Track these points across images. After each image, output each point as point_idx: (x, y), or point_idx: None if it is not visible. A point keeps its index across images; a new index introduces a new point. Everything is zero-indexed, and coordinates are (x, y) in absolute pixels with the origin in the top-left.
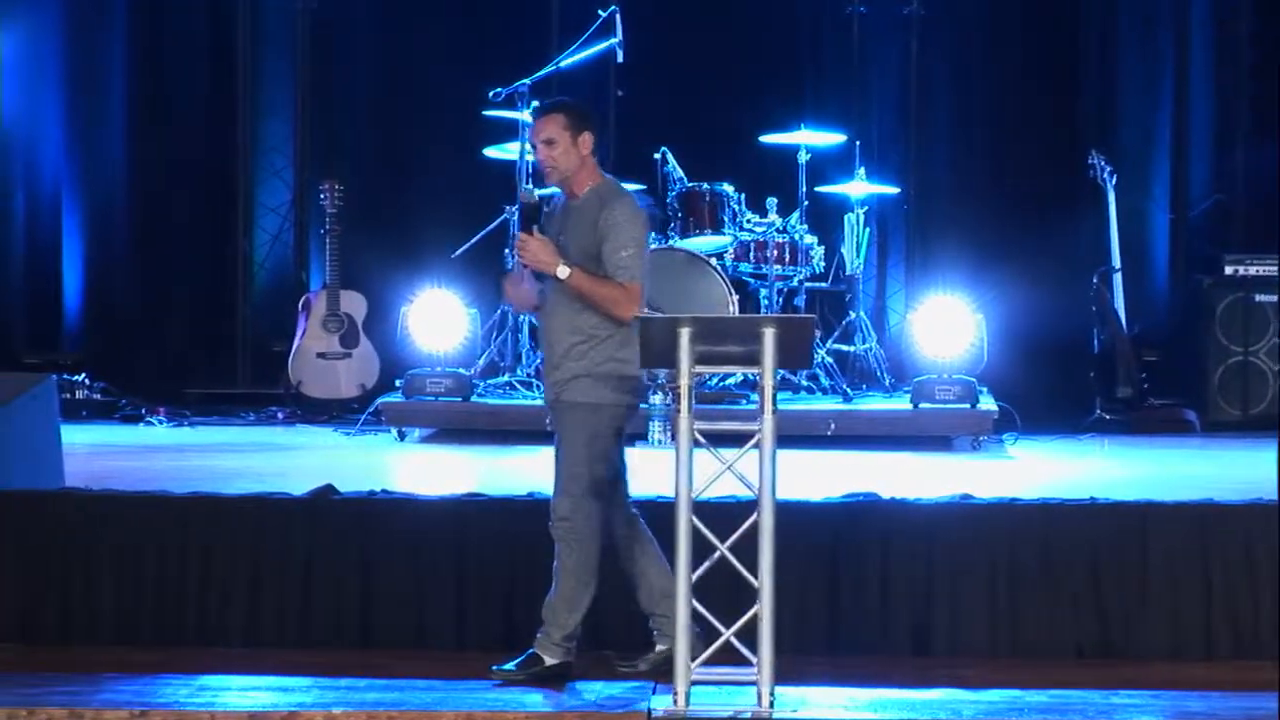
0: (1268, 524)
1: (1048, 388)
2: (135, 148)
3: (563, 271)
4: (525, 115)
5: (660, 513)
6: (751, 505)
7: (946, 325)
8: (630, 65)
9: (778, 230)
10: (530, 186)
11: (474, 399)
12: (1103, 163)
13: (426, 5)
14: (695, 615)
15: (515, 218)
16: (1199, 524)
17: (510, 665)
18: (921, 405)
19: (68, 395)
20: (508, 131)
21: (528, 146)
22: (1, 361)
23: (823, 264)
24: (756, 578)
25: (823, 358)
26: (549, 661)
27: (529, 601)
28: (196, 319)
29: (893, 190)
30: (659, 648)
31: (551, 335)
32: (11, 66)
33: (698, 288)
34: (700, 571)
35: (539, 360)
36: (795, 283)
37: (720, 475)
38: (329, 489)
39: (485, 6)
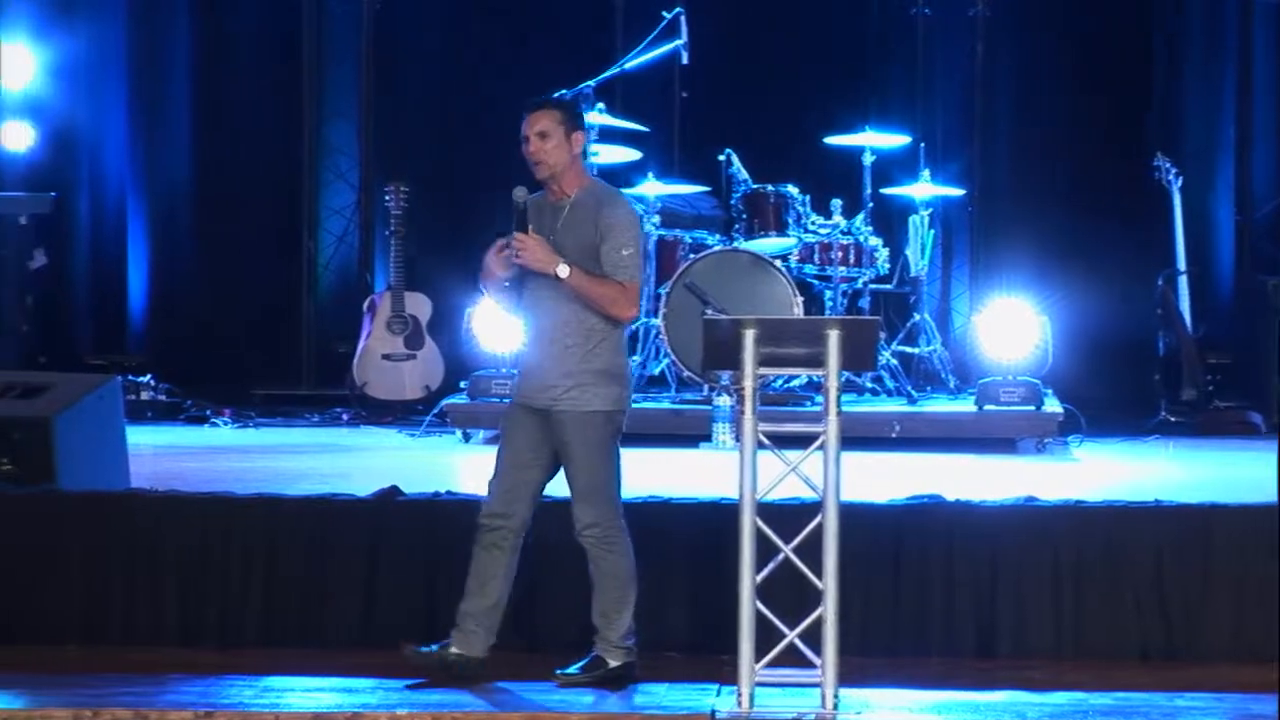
0: None
1: (1112, 390)
2: (199, 150)
3: (563, 270)
4: (591, 117)
5: (724, 514)
6: (816, 507)
7: (1011, 327)
8: (695, 67)
9: (842, 232)
10: (523, 188)
11: None
12: (1168, 165)
13: (491, 6)
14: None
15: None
16: (1264, 526)
17: (574, 668)
18: (986, 407)
19: (133, 396)
20: None
21: (529, 138)
22: (67, 363)
23: (887, 266)
24: (820, 579)
25: (887, 359)
26: (612, 664)
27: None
28: (261, 320)
29: (957, 192)
30: (453, 649)
31: (543, 337)
32: (76, 69)
33: (762, 289)
34: (764, 574)
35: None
36: (860, 284)
37: (785, 477)
38: (394, 490)
39: (549, 8)
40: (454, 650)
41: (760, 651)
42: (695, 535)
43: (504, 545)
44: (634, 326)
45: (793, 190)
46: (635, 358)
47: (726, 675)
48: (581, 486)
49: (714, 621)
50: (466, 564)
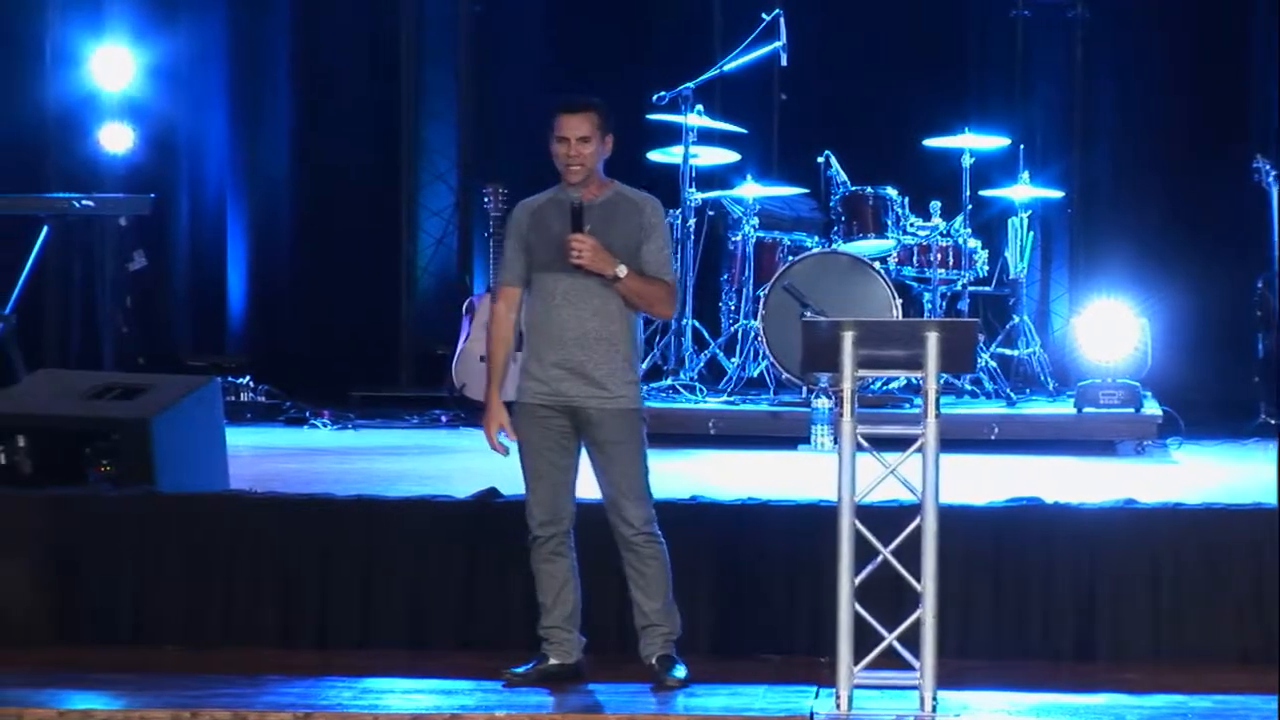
0: None
1: (1212, 392)
2: (298, 151)
3: (621, 271)
4: (689, 119)
5: (823, 517)
6: (914, 509)
7: (1110, 329)
8: (794, 69)
9: (941, 234)
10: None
11: None
12: (1268, 166)
13: (589, 8)
14: (858, 620)
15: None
16: None
17: (679, 671)
18: (1085, 410)
19: (232, 398)
20: (671, 135)
21: (570, 140)
22: (166, 364)
23: (986, 268)
24: (919, 582)
25: (986, 362)
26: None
27: (694, 603)
28: (360, 322)
29: (1057, 194)
30: (551, 660)
31: (587, 337)
32: (176, 70)
33: (861, 291)
34: (863, 575)
35: (532, 357)
36: (959, 286)
37: (883, 479)
38: (492, 492)
39: (648, 9)
40: (553, 662)
41: (859, 654)
42: (794, 537)
43: (562, 550)
44: (733, 329)
45: (891, 192)
46: (734, 359)
47: (825, 677)
48: (635, 486)
49: (812, 623)
50: None
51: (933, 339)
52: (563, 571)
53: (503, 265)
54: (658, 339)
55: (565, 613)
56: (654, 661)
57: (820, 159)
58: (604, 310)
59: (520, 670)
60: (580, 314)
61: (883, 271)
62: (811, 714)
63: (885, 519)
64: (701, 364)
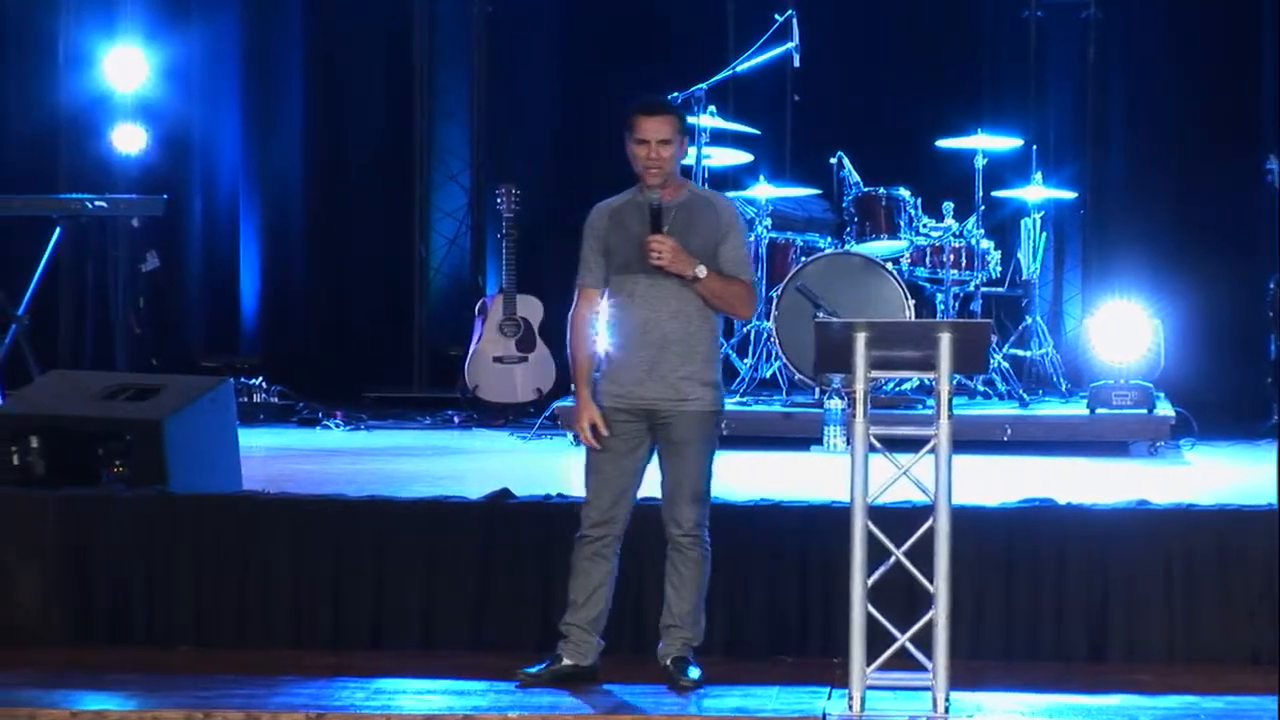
0: None
1: (1225, 393)
2: (312, 151)
3: (701, 271)
4: (702, 120)
5: (836, 518)
6: (927, 510)
7: (1123, 330)
8: (807, 70)
9: (954, 235)
10: (657, 191)
11: None
12: None
13: (602, 10)
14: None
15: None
16: None
17: (693, 673)
18: (1098, 410)
19: (245, 399)
20: None
21: (651, 143)
22: (179, 365)
23: (999, 269)
24: (932, 583)
25: (999, 363)
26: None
27: (708, 604)
28: (373, 323)
29: (1070, 195)
30: (565, 660)
31: (667, 339)
32: (189, 70)
33: (874, 292)
34: (875, 576)
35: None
36: (971, 287)
37: (896, 480)
38: (505, 493)
39: (661, 10)
40: (566, 663)
41: (871, 655)
42: (806, 538)
43: (607, 553)
44: (745, 329)
45: (904, 193)
46: (747, 360)
47: (837, 678)
48: (696, 487)
49: (825, 624)
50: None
51: (945, 340)
52: (601, 574)
53: (583, 268)
54: None
55: (592, 615)
56: (669, 662)
57: (833, 160)
58: (682, 312)
59: (533, 670)
60: (658, 315)
61: (895, 272)
62: (824, 715)
63: (898, 520)
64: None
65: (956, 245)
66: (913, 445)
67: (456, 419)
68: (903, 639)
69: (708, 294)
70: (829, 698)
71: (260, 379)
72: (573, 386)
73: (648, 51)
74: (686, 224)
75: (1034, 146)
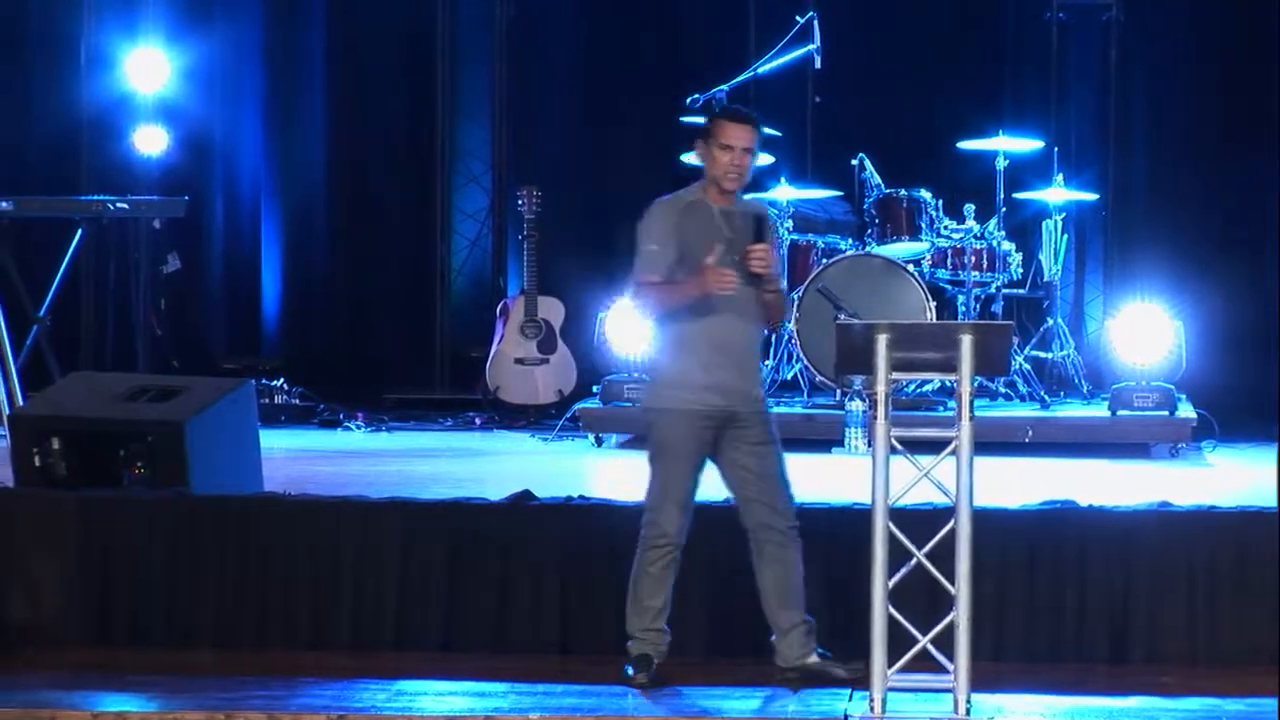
0: None
1: (1247, 395)
2: (333, 152)
3: (783, 280)
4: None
5: (857, 519)
6: (948, 512)
7: (1145, 332)
8: (828, 71)
9: (975, 236)
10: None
11: None
12: None
13: (624, 11)
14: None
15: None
16: None
17: (842, 668)
18: (1119, 412)
19: (266, 400)
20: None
21: (735, 149)
22: (200, 367)
23: (1020, 270)
24: (953, 585)
25: (1020, 364)
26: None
27: (727, 607)
28: (394, 324)
29: (1091, 197)
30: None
31: (746, 345)
32: (211, 72)
33: (895, 294)
34: (897, 578)
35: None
36: (993, 289)
37: (917, 482)
38: (526, 494)
39: (682, 12)
40: (656, 662)
41: (893, 656)
42: (828, 540)
43: (677, 562)
44: (767, 331)
45: (926, 195)
46: (768, 362)
47: (859, 680)
48: (787, 483)
49: (847, 626)
50: (599, 567)
51: (967, 342)
52: (670, 581)
53: (648, 261)
54: None
55: (667, 615)
56: (814, 658)
57: (854, 161)
58: (757, 318)
59: (643, 674)
60: (744, 322)
61: (917, 274)
62: (846, 716)
63: (919, 521)
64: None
65: (978, 247)
66: (934, 447)
67: (478, 420)
68: (924, 640)
69: (775, 302)
70: (850, 699)
71: (281, 380)
72: (680, 296)
73: (669, 53)
74: (743, 230)
75: (1055, 148)
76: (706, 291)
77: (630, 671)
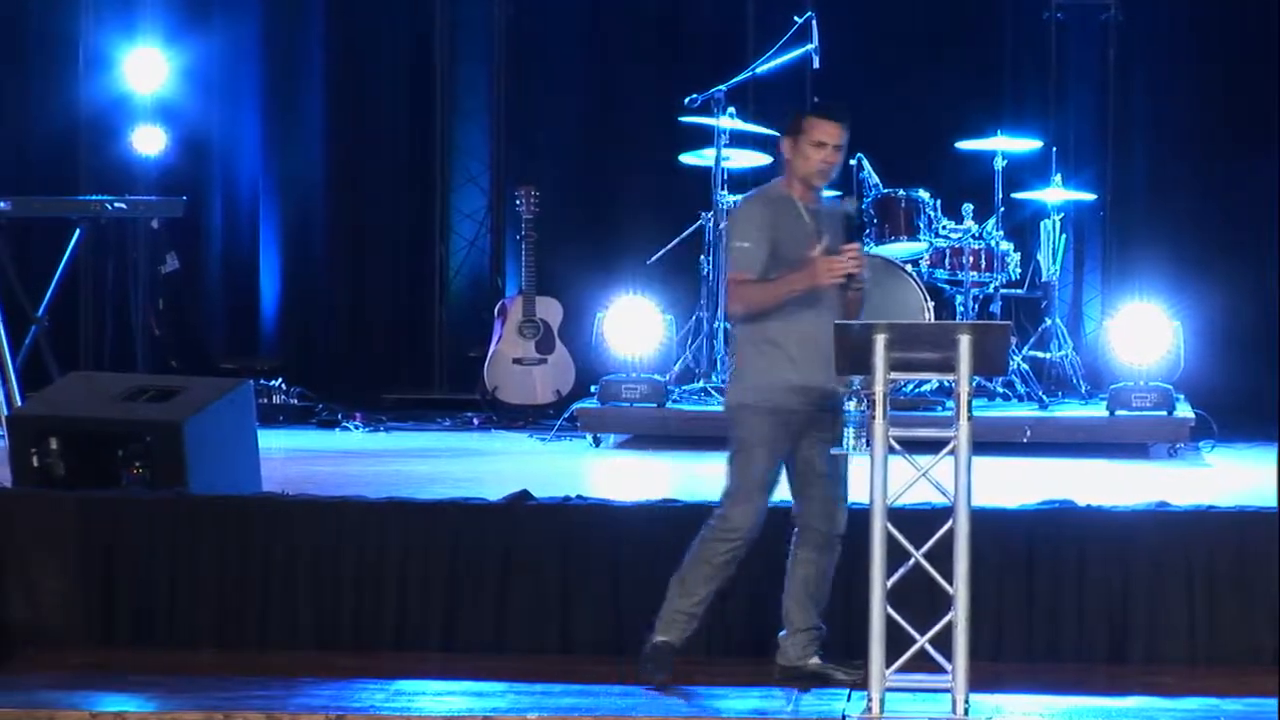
0: None
1: (1245, 395)
2: (332, 153)
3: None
4: (722, 122)
5: (855, 519)
6: (947, 512)
7: (1143, 332)
8: (826, 71)
9: (973, 236)
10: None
11: (669, 405)
12: None
13: (623, 12)
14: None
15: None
16: None
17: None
18: (1118, 412)
19: (265, 400)
20: (703, 138)
21: (828, 146)
22: (199, 367)
23: (1019, 270)
24: (951, 585)
25: (1018, 364)
26: None
27: (724, 608)
28: (393, 325)
29: (1090, 197)
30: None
31: (827, 344)
32: (209, 72)
33: (893, 294)
34: (895, 578)
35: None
36: (991, 289)
37: (915, 482)
38: (524, 495)
39: (681, 13)
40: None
41: (891, 656)
42: None
43: (739, 559)
44: None
45: (924, 195)
46: None
47: (858, 680)
48: (847, 491)
49: (845, 626)
50: (598, 568)
51: (965, 342)
52: (727, 576)
53: (746, 256)
54: (690, 341)
55: (705, 606)
56: (817, 660)
57: (853, 161)
58: (840, 318)
59: (663, 673)
60: (833, 320)
61: (915, 274)
62: (844, 716)
63: (917, 522)
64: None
65: (976, 247)
66: (932, 447)
67: (476, 421)
68: (922, 640)
69: (855, 299)
70: (849, 699)
71: (279, 380)
72: (786, 290)
73: (667, 53)
74: (823, 228)
75: (1054, 148)
76: (816, 283)
77: (649, 669)
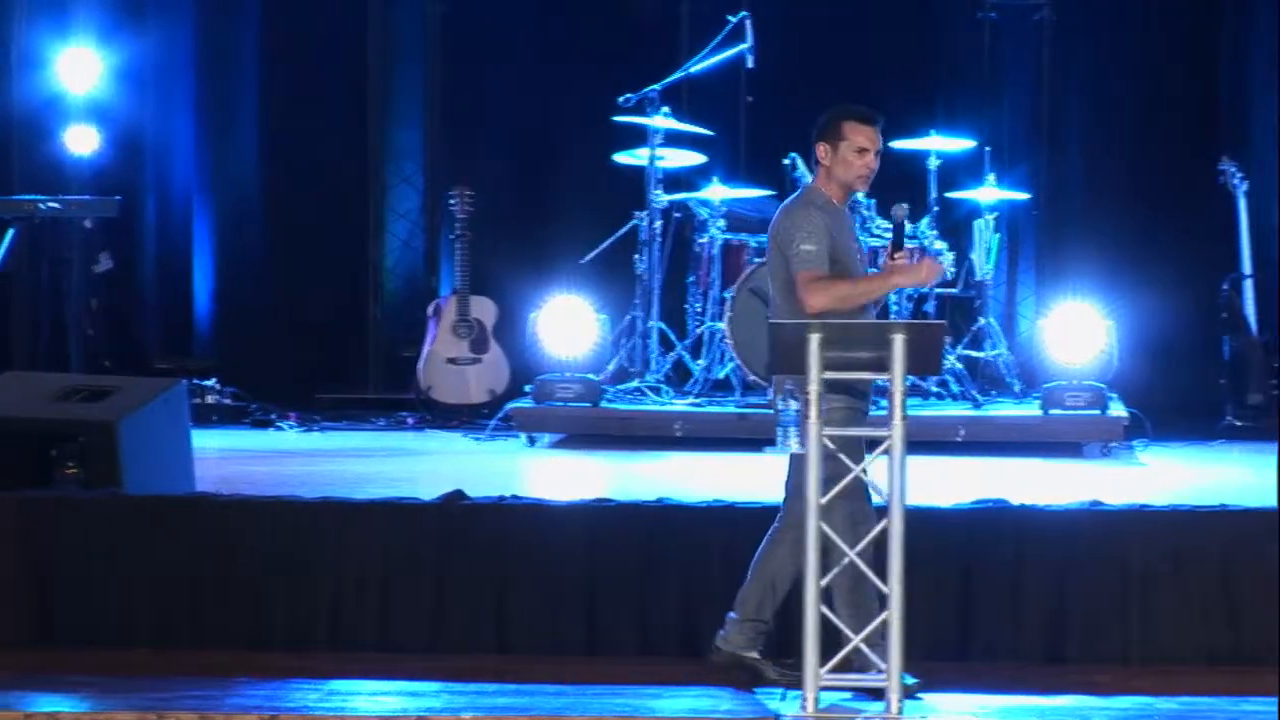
0: None
1: (1178, 394)
2: (266, 153)
3: None
4: (656, 121)
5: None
6: (881, 511)
7: (1077, 331)
8: (760, 71)
9: (908, 236)
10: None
11: (603, 405)
12: (1234, 168)
13: (557, 11)
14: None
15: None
16: None
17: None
18: (1052, 411)
19: (199, 400)
20: (637, 137)
21: (870, 152)
22: (133, 367)
23: (953, 270)
24: (886, 584)
25: (952, 364)
26: None
27: (660, 607)
28: (327, 324)
29: (1024, 196)
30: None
31: None
32: (143, 71)
33: None
34: (829, 577)
35: None
36: (925, 289)
37: (849, 480)
38: (459, 494)
39: (615, 12)
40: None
41: (826, 656)
42: (761, 539)
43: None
44: (699, 331)
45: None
46: (700, 361)
47: (792, 679)
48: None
49: (780, 625)
50: (532, 567)
51: (899, 341)
52: None
53: (817, 256)
54: (624, 341)
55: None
56: (755, 655)
57: (786, 161)
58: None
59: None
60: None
61: None
62: (778, 715)
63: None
64: (668, 366)
65: (910, 246)
66: (867, 446)
67: (410, 420)
68: (856, 640)
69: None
70: (783, 699)
71: (214, 380)
72: (884, 287)
73: (601, 53)
74: (854, 231)
75: (987, 148)
76: (922, 281)
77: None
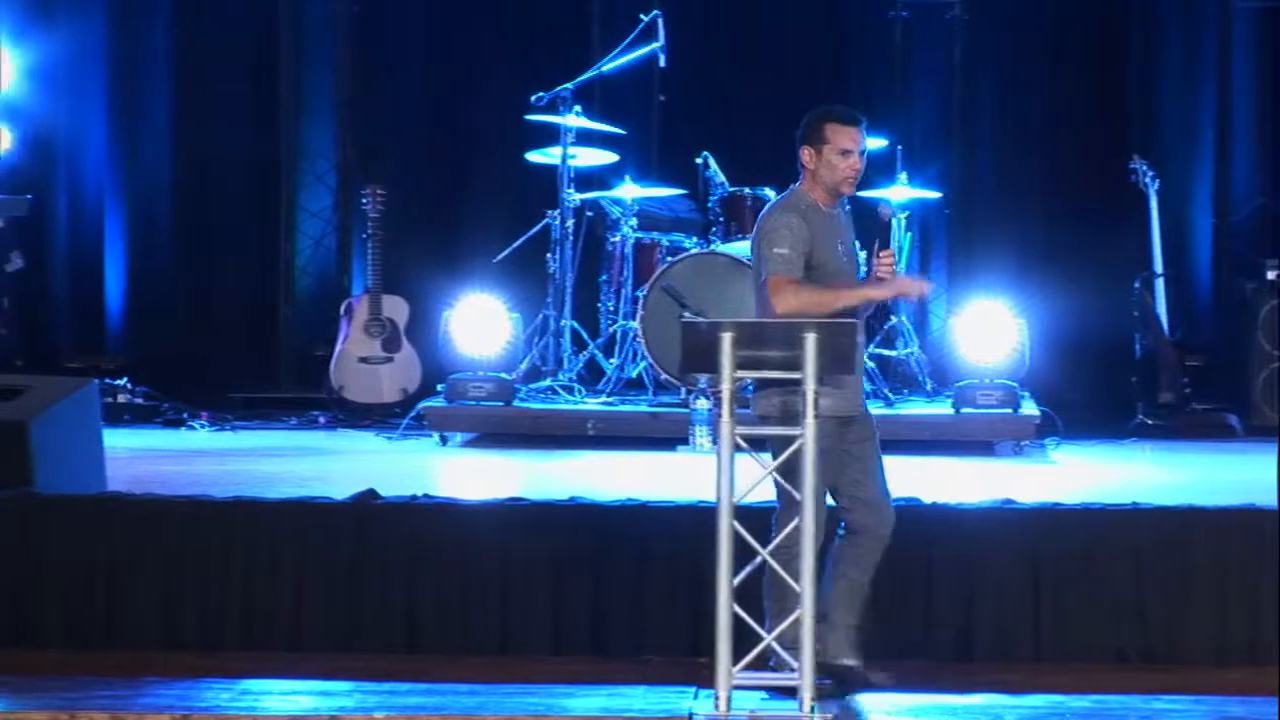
0: None
1: (1090, 393)
2: (178, 152)
3: None
4: (568, 120)
5: (702, 517)
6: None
7: (988, 330)
8: (673, 70)
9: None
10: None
11: (516, 404)
12: (1145, 168)
13: (470, 9)
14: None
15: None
16: (1242, 528)
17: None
18: (963, 410)
19: (110, 399)
20: (550, 136)
21: (854, 153)
22: (44, 366)
23: (865, 269)
24: (798, 583)
25: (864, 362)
26: None
27: (571, 606)
28: (239, 323)
29: (935, 195)
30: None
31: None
32: (55, 71)
33: (740, 292)
34: (742, 576)
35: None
36: None
37: (763, 480)
38: (371, 494)
39: (527, 10)
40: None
41: (738, 654)
42: (673, 538)
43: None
44: (612, 330)
45: (770, 193)
46: (613, 360)
47: (704, 678)
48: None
49: (692, 624)
50: (444, 566)
51: (811, 340)
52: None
53: (789, 261)
54: (536, 339)
55: None
56: (853, 660)
57: (699, 160)
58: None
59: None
60: (860, 325)
61: None
62: (690, 715)
63: (764, 520)
64: (580, 365)
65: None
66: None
67: (322, 419)
68: (769, 638)
69: (878, 303)
70: (695, 698)
71: (126, 379)
72: (859, 297)
73: (514, 51)
74: (846, 233)
75: (899, 146)
76: (907, 294)
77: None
